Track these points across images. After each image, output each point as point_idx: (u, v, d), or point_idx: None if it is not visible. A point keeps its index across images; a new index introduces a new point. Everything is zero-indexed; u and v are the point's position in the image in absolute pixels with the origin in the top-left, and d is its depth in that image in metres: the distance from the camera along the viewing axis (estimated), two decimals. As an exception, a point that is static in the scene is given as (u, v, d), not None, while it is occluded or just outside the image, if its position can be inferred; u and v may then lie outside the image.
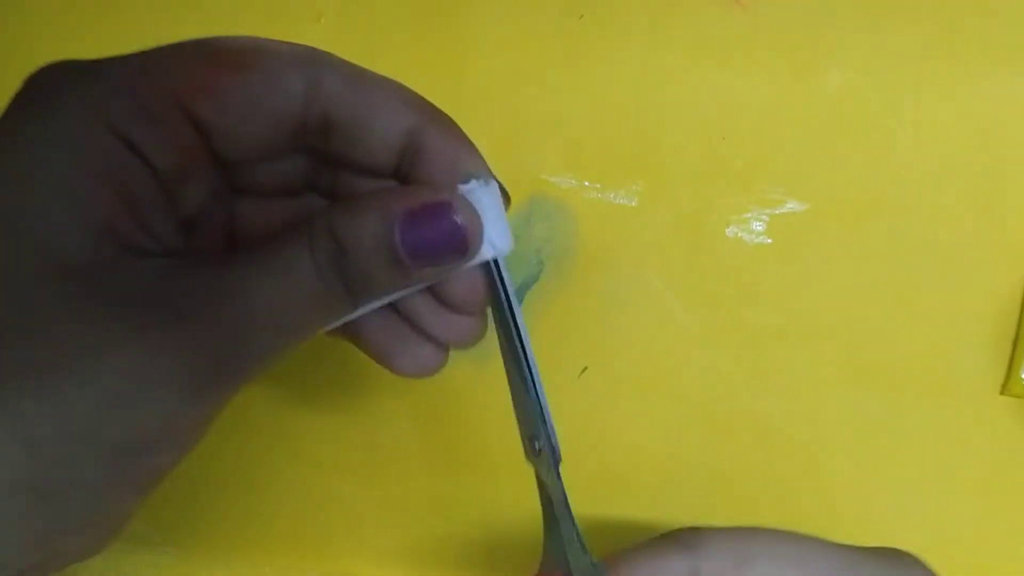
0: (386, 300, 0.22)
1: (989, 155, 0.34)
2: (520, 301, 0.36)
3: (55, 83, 0.19)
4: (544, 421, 0.24)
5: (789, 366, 0.35)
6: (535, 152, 0.37)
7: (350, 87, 0.20)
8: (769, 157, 0.36)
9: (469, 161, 0.21)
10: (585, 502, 0.35)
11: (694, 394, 0.35)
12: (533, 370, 0.24)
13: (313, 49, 0.20)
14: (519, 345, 0.24)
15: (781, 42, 0.36)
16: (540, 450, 0.24)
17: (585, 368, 0.36)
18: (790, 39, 0.36)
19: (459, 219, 0.20)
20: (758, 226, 0.36)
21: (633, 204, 0.37)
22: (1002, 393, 0.33)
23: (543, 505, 0.24)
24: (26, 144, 0.17)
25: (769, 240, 0.36)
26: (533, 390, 0.24)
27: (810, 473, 0.34)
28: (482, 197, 0.21)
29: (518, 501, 0.35)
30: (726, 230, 0.36)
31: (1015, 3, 0.35)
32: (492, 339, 0.36)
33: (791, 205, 0.36)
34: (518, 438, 0.35)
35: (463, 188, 0.21)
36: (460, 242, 0.20)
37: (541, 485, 0.24)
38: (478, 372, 0.36)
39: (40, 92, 0.19)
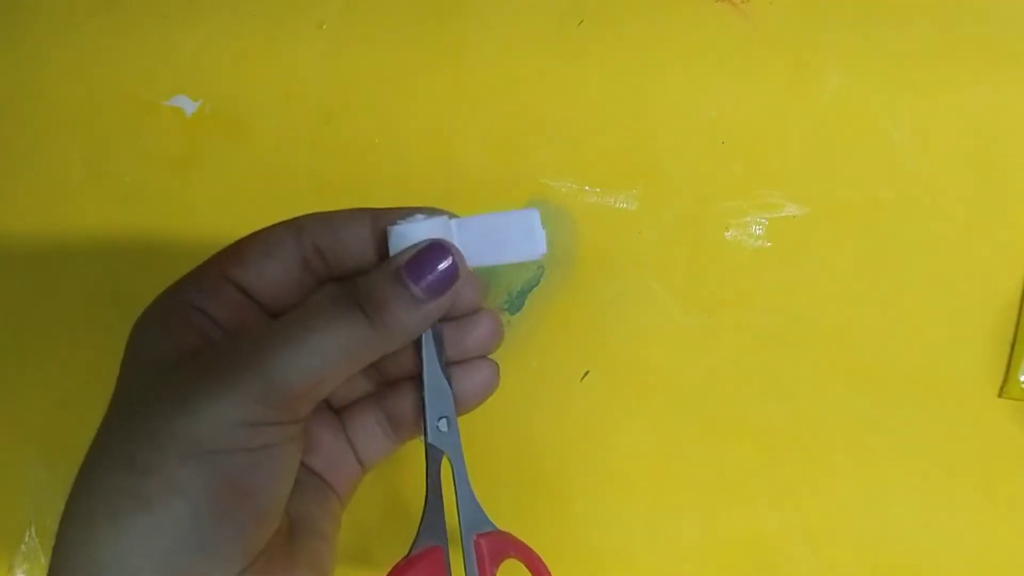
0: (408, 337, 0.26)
1: (987, 158, 0.35)
2: (521, 305, 0.37)
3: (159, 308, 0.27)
4: (454, 400, 0.28)
5: (788, 368, 0.35)
6: (535, 156, 0.37)
7: (322, 221, 0.27)
8: (768, 161, 0.36)
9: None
10: (585, 503, 0.35)
11: (694, 397, 0.35)
12: (443, 360, 0.28)
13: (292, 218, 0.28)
14: (434, 338, 0.27)
15: (779, 47, 0.36)
16: (450, 426, 0.28)
17: (586, 372, 0.36)
18: (788, 44, 0.36)
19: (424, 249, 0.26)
20: (757, 230, 0.36)
21: (633, 208, 0.37)
22: (1000, 396, 0.34)
23: (430, 481, 0.28)
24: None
25: (768, 244, 0.36)
26: (446, 377, 0.28)
27: (810, 475, 0.34)
28: (417, 227, 0.26)
29: (519, 504, 0.35)
30: (725, 234, 0.36)
31: (1012, 8, 0.35)
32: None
33: (790, 209, 0.36)
34: (518, 438, 0.36)
35: (401, 223, 0.26)
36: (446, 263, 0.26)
37: (434, 461, 0.28)
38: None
39: (151, 316, 0.27)
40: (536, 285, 0.37)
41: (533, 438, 0.35)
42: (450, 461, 0.28)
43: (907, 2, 0.37)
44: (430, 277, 0.25)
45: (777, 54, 0.36)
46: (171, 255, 0.39)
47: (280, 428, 0.24)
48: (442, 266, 0.25)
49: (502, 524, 0.35)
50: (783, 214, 0.36)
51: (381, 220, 0.27)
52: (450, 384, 0.28)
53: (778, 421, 0.34)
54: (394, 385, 0.29)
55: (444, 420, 0.28)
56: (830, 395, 0.34)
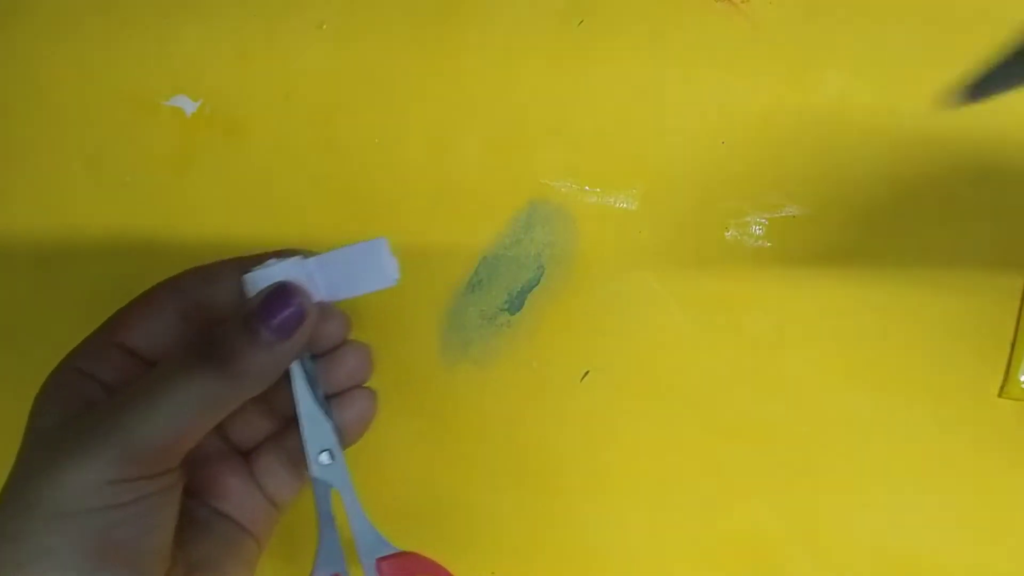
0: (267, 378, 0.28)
1: (987, 158, 0.35)
2: (521, 305, 0.37)
3: (52, 378, 0.28)
4: (336, 433, 0.29)
5: (788, 368, 0.35)
6: (535, 156, 0.37)
7: (197, 276, 0.29)
8: (768, 161, 0.36)
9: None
10: (585, 502, 0.35)
11: (694, 396, 0.35)
12: (320, 394, 0.29)
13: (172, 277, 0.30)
14: (306, 374, 0.29)
15: (780, 47, 0.36)
16: (334, 457, 0.29)
17: (586, 372, 0.36)
18: (789, 44, 0.36)
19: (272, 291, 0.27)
20: (757, 230, 0.36)
21: (633, 208, 0.37)
22: (1000, 396, 0.34)
23: (320, 511, 0.29)
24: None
25: (768, 244, 0.36)
26: (327, 412, 0.29)
27: (810, 475, 0.34)
28: (270, 272, 0.28)
29: (519, 503, 0.35)
30: (725, 234, 0.36)
31: (1014, 8, 0.35)
32: (493, 344, 0.36)
33: (790, 209, 0.36)
34: (518, 438, 0.36)
35: (254, 270, 0.28)
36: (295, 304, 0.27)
37: (321, 493, 0.29)
38: (479, 376, 0.36)
39: (45, 386, 0.28)
40: (536, 285, 0.37)
41: (533, 438, 0.35)
42: (340, 493, 0.29)
43: (907, 2, 0.37)
44: (277, 319, 0.26)
45: (777, 54, 0.36)
46: (171, 255, 0.39)
47: (147, 482, 0.25)
48: (289, 308, 0.27)
49: (501, 524, 0.35)
50: (783, 214, 0.36)
51: (247, 269, 0.28)
52: (329, 417, 0.29)
53: (778, 421, 0.34)
54: (291, 424, 0.30)
55: (326, 453, 0.29)
56: (830, 395, 0.34)
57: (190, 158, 0.40)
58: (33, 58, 0.42)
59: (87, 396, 0.27)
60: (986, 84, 0.24)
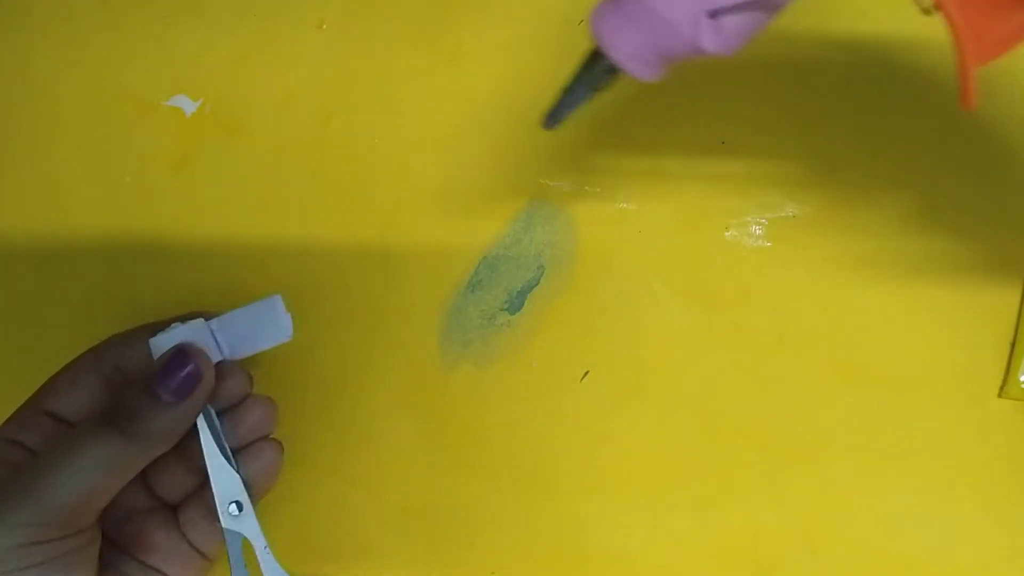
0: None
1: (987, 157, 0.35)
2: (521, 305, 0.37)
3: None
4: (244, 484, 0.31)
5: (788, 368, 0.35)
6: (535, 156, 0.37)
7: (117, 342, 0.32)
8: (768, 161, 0.36)
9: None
10: (585, 503, 0.35)
11: (694, 396, 0.35)
12: (227, 448, 0.31)
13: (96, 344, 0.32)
14: (220, 434, 0.31)
15: (780, 47, 0.36)
16: (242, 508, 0.30)
17: (586, 372, 0.36)
18: (789, 44, 0.36)
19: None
20: (757, 230, 0.36)
21: (632, 208, 0.37)
22: (1000, 396, 0.33)
23: (232, 560, 0.30)
24: None
25: (768, 243, 0.36)
26: (235, 464, 0.31)
27: (810, 475, 0.34)
28: (172, 335, 0.30)
29: (519, 503, 0.35)
30: (725, 234, 0.36)
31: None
32: (493, 344, 0.36)
33: (790, 209, 0.36)
34: (517, 438, 0.36)
35: (159, 334, 0.30)
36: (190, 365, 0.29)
37: (232, 541, 0.30)
38: (479, 376, 0.36)
39: None
40: (536, 285, 0.37)
41: (533, 438, 0.35)
42: (250, 542, 0.30)
43: (902, 4, 0.37)
44: (174, 382, 0.28)
45: (778, 54, 0.36)
46: (171, 255, 0.39)
47: (59, 543, 0.27)
48: (184, 370, 0.29)
49: (501, 524, 0.35)
50: (783, 214, 0.36)
51: (156, 334, 0.30)
52: (237, 470, 0.31)
53: (778, 421, 0.34)
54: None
55: (234, 504, 0.30)
56: (830, 395, 0.34)
57: (190, 158, 0.40)
58: (33, 58, 0.42)
59: (12, 462, 0.29)
60: (559, 109, 0.28)
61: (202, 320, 0.31)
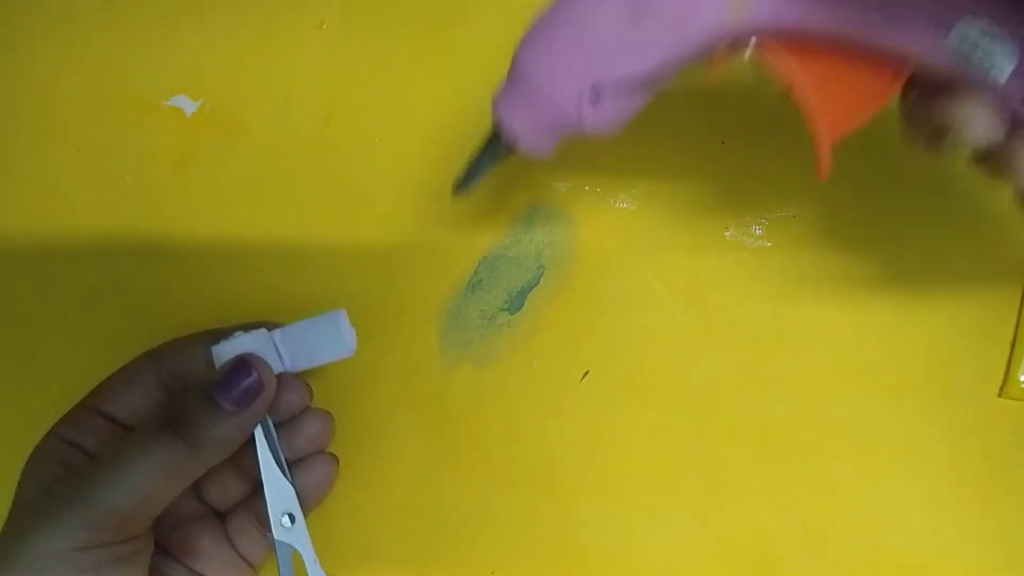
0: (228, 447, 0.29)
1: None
2: (521, 305, 0.37)
3: (38, 447, 0.30)
4: (297, 497, 0.31)
5: (788, 368, 0.35)
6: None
7: (174, 348, 0.32)
8: (768, 161, 0.36)
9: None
10: (584, 503, 0.35)
11: (694, 397, 0.35)
12: (281, 460, 0.31)
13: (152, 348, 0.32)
14: (277, 446, 0.31)
15: (779, 47, 0.36)
16: (295, 520, 0.31)
17: (586, 372, 0.36)
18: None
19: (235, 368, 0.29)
20: (757, 230, 0.36)
21: (633, 208, 0.37)
22: (1000, 396, 0.34)
23: (282, 572, 0.30)
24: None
25: (768, 243, 0.36)
26: (289, 476, 0.31)
27: (809, 475, 0.34)
28: (236, 344, 0.30)
29: (519, 503, 0.35)
30: (725, 234, 0.36)
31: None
32: (493, 344, 0.36)
33: (790, 209, 0.36)
34: (517, 439, 0.35)
35: (222, 342, 0.30)
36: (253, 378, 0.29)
37: (283, 554, 0.30)
38: (479, 376, 0.36)
39: (31, 455, 0.30)
40: (536, 285, 0.37)
41: (532, 438, 0.35)
42: (300, 554, 0.30)
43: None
44: (236, 391, 0.28)
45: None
46: (171, 255, 0.39)
47: (115, 547, 0.27)
48: (247, 380, 0.29)
49: (501, 524, 0.35)
50: (783, 214, 0.36)
51: (217, 341, 0.30)
52: (292, 482, 0.31)
53: (778, 421, 0.34)
54: (262, 487, 0.31)
55: (287, 516, 0.31)
56: (830, 395, 0.34)
57: (190, 158, 0.40)
58: (32, 58, 0.42)
59: (68, 463, 0.29)
60: (468, 179, 0.30)
61: (265, 330, 0.31)
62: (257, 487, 0.31)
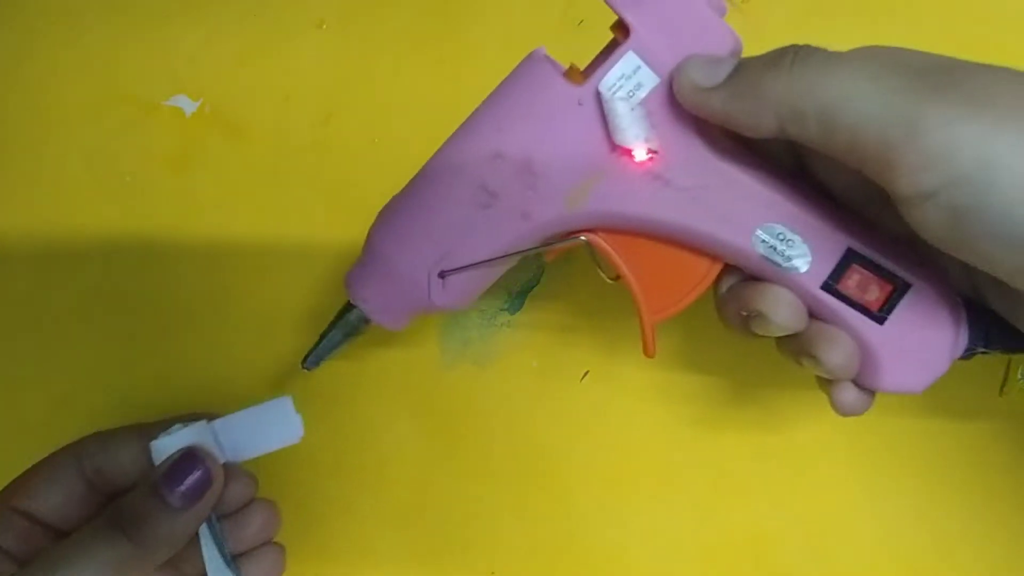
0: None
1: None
2: (521, 305, 0.37)
3: None
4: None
5: (789, 368, 0.34)
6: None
7: (98, 443, 0.30)
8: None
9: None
10: (585, 502, 0.35)
11: (695, 397, 0.35)
12: (227, 554, 0.30)
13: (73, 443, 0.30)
14: (223, 540, 0.30)
15: (780, 45, 0.36)
16: None
17: (586, 372, 0.36)
18: (789, 43, 0.36)
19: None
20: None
21: (633, 208, 0.37)
22: (1001, 395, 0.34)
23: None
24: None
25: (768, 243, 0.36)
26: (236, 571, 0.30)
27: (810, 474, 0.34)
28: (175, 438, 0.29)
29: (519, 503, 0.35)
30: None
31: (1014, 10, 0.35)
32: (493, 344, 0.36)
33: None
34: (518, 439, 0.35)
35: (161, 437, 0.29)
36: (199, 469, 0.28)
37: None
38: (479, 377, 0.36)
39: None
40: (536, 285, 0.37)
41: (533, 438, 0.35)
42: None
43: (910, 2, 0.37)
44: (184, 486, 0.27)
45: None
46: (170, 255, 0.39)
47: None
48: (194, 474, 0.28)
49: (500, 524, 0.35)
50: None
51: (148, 435, 0.29)
52: (238, 574, 0.30)
53: (778, 420, 0.34)
54: None
55: None
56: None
57: (190, 158, 0.40)
58: (31, 57, 0.42)
59: None
60: (318, 353, 0.31)
61: (204, 422, 0.30)
62: None
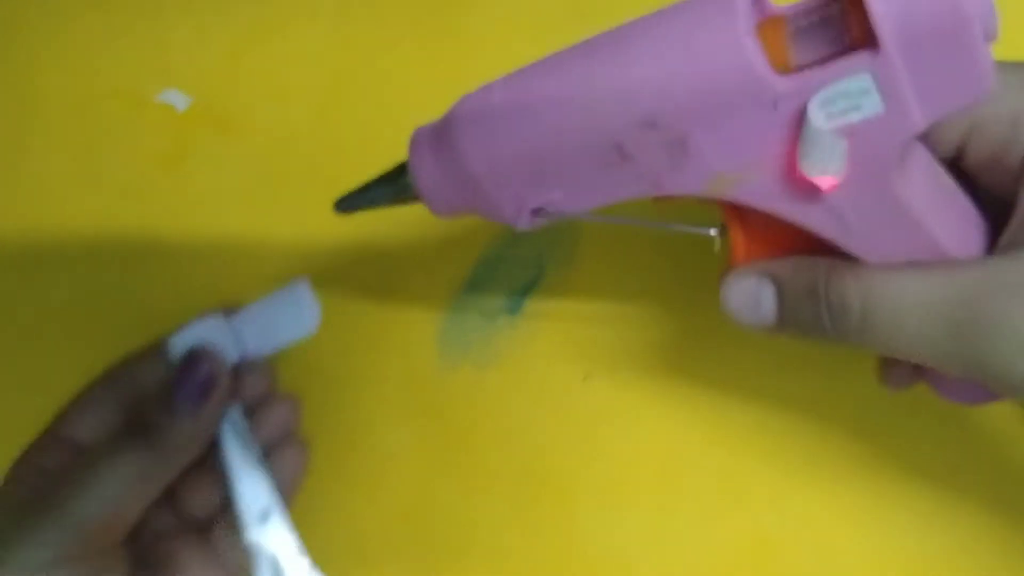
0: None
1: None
2: (522, 305, 0.36)
3: (7, 476, 0.30)
4: (276, 489, 0.29)
5: (791, 370, 0.35)
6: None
7: (126, 365, 0.31)
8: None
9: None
10: (586, 507, 0.35)
11: (697, 398, 0.35)
12: (256, 451, 0.29)
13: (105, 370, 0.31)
14: (236, 434, 0.29)
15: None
16: (271, 517, 0.29)
17: (588, 374, 0.35)
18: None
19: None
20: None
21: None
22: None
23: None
24: None
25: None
26: (264, 467, 0.29)
27: (813, 479, 0.34)
28: (188, 334, 0.29)
29: (519, 507, 0.35)
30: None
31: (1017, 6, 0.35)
32: (493, 344, 0.36)
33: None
34: (519, 441, 0.35)
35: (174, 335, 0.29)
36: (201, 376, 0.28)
37: (262, 560, 0.29)
38: (479, 377, 0.36)
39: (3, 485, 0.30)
40: (536, 285, 0.36)
41: (534, 441, 0.35)
42: (278, 555, 0.29)
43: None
44: (189, 388, 0.28)
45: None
46: (162, 254, 0.39)
47: (87, 562, 0.27)
48: (199, 373, 0.28)
49: (500, 528, 0.35)
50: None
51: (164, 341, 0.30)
52: (268, 473, 0.29)
53: (782, 423, 0.34)
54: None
55: (262, 512, 0.29)
56: (833, 397, 0.34)
57: (182, 155, 0.39)
58: (20, 52, 0.42)
59: (35, 485, 0.29)
60: (354, 202, 0.29)
61: (220, 315, 0.29)
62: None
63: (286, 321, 0.29)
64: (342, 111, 0.39)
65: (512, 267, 0.37)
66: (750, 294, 0.27)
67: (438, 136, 0.26)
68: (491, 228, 0.37)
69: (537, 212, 0.25)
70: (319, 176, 0.38)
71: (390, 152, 0.38)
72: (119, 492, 0.27)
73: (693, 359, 0.35)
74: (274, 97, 0.40)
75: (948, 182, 0.25)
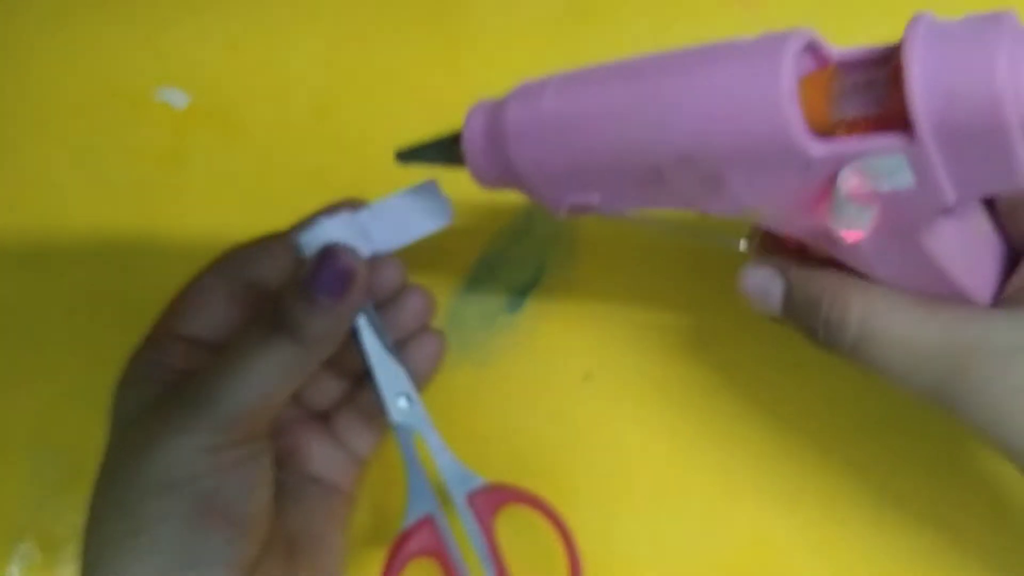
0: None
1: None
2: (521, 305, 0.36)
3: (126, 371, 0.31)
4: (410, 377, 0.31)
5: (792, 369, 0.34)
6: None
7: (242, 258, 0.31)
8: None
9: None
10: (587, 508, 0.35)
11: (698, 399, 0.35)
12: (388, 342, 0.31)
13: (217, 261, 0.32)
14: (371, 325, 0.30)
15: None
16: (411, 401, 0.30)
17: (588, 374, 0.35)
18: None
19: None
20: (762, 229, 0.35)
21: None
22: None
23: (406, 456, 0.30)
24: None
25: (773, 243, 0.35)
26: (398, 359, 0.30)
27: (816, 478, 0.34)
28: (320, 230, 0.29)
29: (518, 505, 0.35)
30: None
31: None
32: (493, 344, 0.36)
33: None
34: (519, 441, 0.35)
35: (304, 231, 0.29)
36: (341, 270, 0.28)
37: (404, 438, 0.31)
38: (479, 377, 0.36)
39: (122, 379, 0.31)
40: (536, 285, 0.36)
41: (534, 440, 0.35)
42: (421, 435, 0.30)
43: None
44: (329, 281, 0.28)
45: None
46: (161, 253, 0.39)
47: (241, 447, 0.27)
48: (338, 267, 0.28)
49: (502, 526, 0.35)
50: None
51: (286, 240, 0.30)
52: (401, 363, 0.31)
53: (783, 423, 0.34)
54: (360, 380, 0.32)
55: (403, 398, 0.31)
56: (834, 396, 0.34)
57: (181, 153, 0.40)
58: (18, 50, 0.42)
59: (161, 380, 0.29)
60: (413, 156, 0.30)
61: (350, 210, 0.30)
62: (354, 381, 0.32)
63: (418, 215, 0.30)
64: (342, 110, 0.39)
65: (512, 267, 0.37)
66: (763, 283, 0.28)
67: (490, 125, 0.27)
68: (491, 228, 0.37)
69: (575, 207, 0.26)
70: (319, 175, 0.38)
71: (390, 152, 0.38)
72: (269, 383, 0.28)
73: (693, 359, 0.35)
74: (273, 96, 0.40)
75: (983, 226, 0.25)
